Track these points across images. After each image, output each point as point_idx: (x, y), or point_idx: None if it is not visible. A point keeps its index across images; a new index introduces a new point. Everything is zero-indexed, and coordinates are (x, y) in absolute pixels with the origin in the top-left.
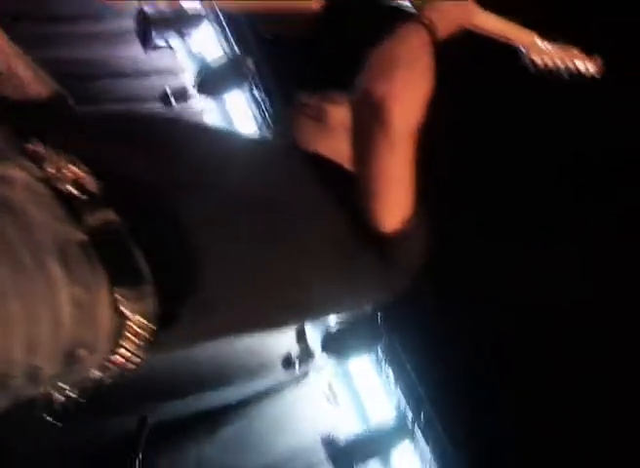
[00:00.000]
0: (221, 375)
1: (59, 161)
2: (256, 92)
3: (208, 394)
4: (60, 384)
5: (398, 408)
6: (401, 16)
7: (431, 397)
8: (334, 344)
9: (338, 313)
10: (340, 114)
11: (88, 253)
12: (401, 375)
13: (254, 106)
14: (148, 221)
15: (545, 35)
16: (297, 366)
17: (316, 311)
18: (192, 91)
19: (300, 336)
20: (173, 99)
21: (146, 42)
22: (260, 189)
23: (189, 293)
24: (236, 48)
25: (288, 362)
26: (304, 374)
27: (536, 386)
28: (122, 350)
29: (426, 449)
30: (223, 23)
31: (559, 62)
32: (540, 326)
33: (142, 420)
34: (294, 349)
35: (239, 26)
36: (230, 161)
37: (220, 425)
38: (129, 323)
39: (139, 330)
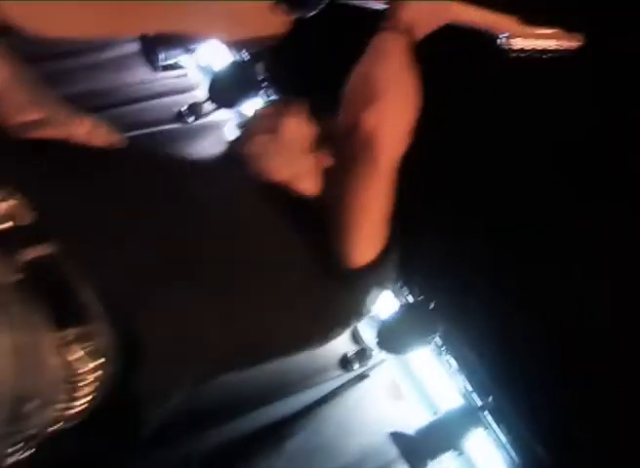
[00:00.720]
0: (280, 386)
1: None
2: (272, 96)
3: (269, 407)
4: (11, 443)
5: (465, 396)
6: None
7: (497, 381)
8: (390, 339)
9: (308, 346)
10: (294, 126)
11: (25, 293)
12: (463, 363)
13: None
14: (91, 254)
15: (524, 19)
16: (355, 365)
17: (283, 348)
18: (207, 105)
19: (355, 336)
20: (188, 117)
21: (154, 63)
22: (218, 226)
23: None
24: (245, 54)
25: (345, 363)
26: (364, 373)
27: (607, 367)
28: (81, 394)
29: (500, 435)
30: None
31: (541, 44)
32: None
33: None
34: (350, 349)
35: None
36: (181, 193)
37: (286, 436)
38: (80, 365)
39: (94, 372)
